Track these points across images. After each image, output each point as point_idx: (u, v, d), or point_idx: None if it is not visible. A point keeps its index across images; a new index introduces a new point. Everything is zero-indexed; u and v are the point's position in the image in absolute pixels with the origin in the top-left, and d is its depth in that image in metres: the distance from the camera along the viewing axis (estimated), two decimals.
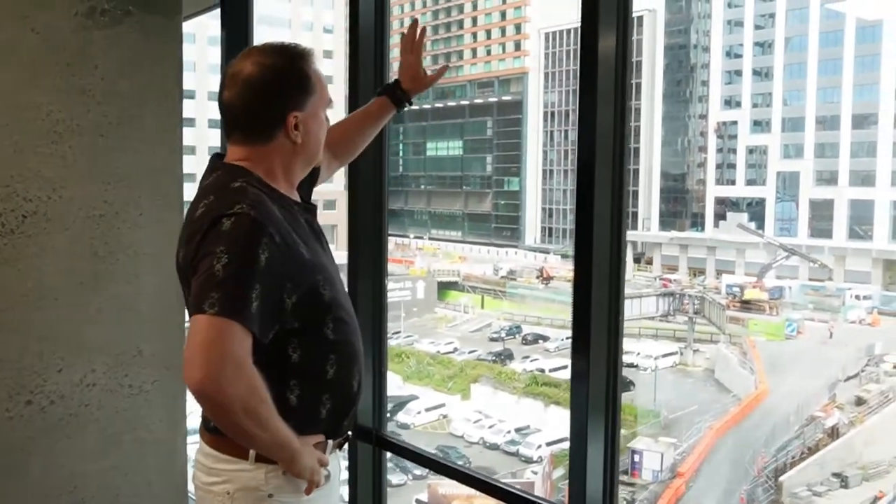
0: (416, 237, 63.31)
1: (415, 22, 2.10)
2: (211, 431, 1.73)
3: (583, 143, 1.99)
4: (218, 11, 3.37)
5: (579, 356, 1.99)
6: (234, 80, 1.72)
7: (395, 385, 35.30)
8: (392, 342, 39.98)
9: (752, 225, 55.56)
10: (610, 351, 1.99)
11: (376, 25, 2.66)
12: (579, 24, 1.98)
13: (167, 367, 2.94)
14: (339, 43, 51.32)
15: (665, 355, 35.83)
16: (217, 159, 1.78)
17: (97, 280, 2.83)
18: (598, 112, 1.93)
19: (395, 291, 43.56)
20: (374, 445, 2.65)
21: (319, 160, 1.87)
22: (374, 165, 2.71)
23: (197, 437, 1.80)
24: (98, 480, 2.85)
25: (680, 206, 62.41)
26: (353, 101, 2.67)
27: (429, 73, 2.17)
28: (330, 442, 1.78)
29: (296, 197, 1.82)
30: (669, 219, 61.47)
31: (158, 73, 2.94)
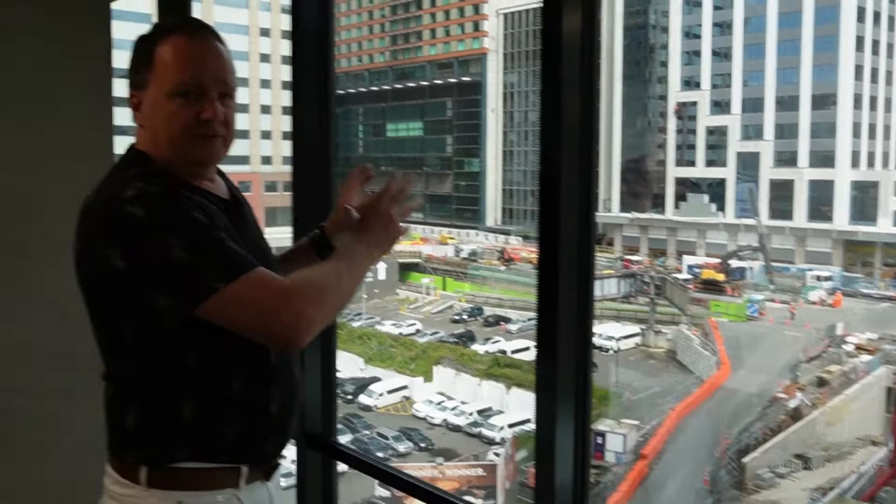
0: None
1: (366, 167, 1.87)
2: (109, 448, 1.58)
3: (546, 129, 1.83)
4: None
5: (546, 343, 1.86)
6: None
7: (356, 367, 35.21)
8: (354, 324, 39.87)
9: (713, 206, 56.20)
10: (580, 336, 1.86)
11: (320, 20, 2.46)
12: (541, 3, 1.81)
13: (97, 369, 2.73)
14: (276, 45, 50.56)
15: (627, 337, 36.08)
16: (129, 145, 1.65)
17: (21, 276, 2.60)
18: (563, 96, 1.77)
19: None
20: (323, 454, 2.47)
21: (194, 156, 1.58)
22: (318, 146, 2.50)
23: None
24: (28, 488, 2.64)
25: (640, 187, 62.87)
26: (296, 84, 2.47)
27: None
28: (245, 469, 1.55)
29: (210, 188, 1.61)
30: (630, 200, 61.95)
31: (86, 53, 2.70)
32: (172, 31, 1.57)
